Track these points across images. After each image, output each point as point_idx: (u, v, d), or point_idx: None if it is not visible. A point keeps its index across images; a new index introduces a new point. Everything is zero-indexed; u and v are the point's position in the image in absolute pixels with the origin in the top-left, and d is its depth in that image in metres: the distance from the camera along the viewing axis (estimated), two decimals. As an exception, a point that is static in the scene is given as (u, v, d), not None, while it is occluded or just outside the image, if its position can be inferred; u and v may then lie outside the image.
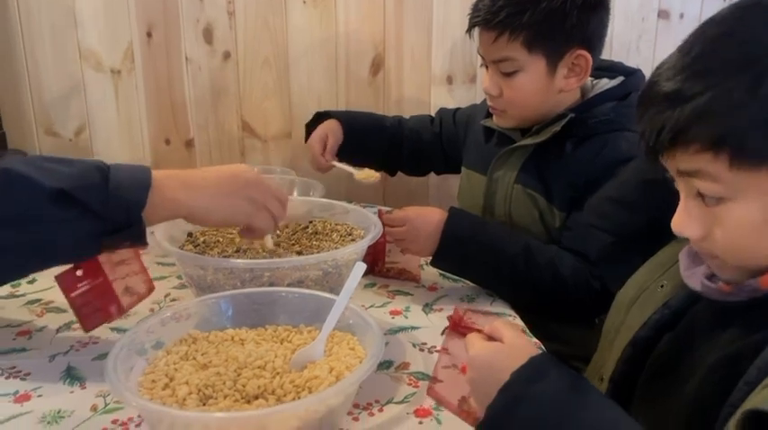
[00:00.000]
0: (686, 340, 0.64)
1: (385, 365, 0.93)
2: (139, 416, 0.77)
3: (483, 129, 1.27)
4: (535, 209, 1.15)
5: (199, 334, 0.76)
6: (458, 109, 1.46)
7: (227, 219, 0.84)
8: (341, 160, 1.38)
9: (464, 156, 1.35)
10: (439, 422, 0.80)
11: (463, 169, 1.34)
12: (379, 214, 1.11)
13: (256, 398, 0.65)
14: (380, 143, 1.43)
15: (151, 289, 0.94)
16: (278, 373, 0.68)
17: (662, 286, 0.72)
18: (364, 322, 0.74)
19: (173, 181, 0.81)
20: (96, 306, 0.86)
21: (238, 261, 0.86)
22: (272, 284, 0.84)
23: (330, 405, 0.62)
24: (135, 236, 0.76)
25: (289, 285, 0.84)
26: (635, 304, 0.75)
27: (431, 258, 1.12)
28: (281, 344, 0.75)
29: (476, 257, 1.07)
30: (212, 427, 0.59)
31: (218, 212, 0.83)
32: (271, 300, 0.80)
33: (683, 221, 0.59)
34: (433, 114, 1.50)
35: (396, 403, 0.84)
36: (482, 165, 1.24)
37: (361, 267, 0.77)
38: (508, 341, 0.64)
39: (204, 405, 0.63)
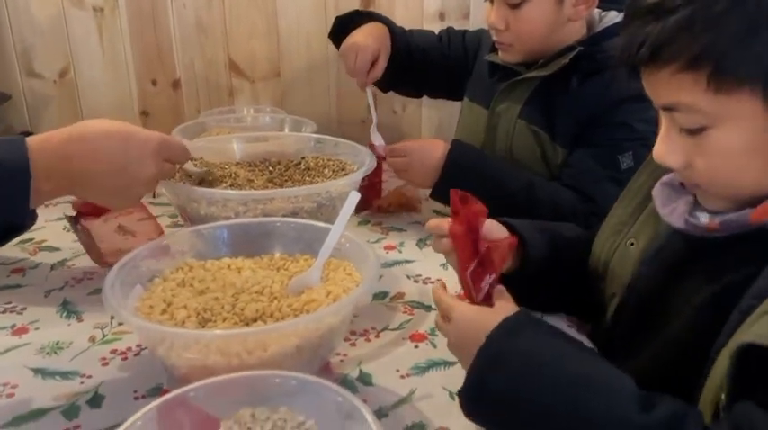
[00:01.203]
0: (666, 282, 0.63)
1: (380, 296, 0.94)
2: (138, 346, 0.77)
3: (487, 65, 1.24)
4: (537, 145, 1.13)
5: (195, 262, 0.76)
6: (466, 31, 1.37)
7: (123, 207, 0.85)
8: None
9: (468, 87, 1.30)
10: (434, 346, 0.82)
11: (465, 101, 1.30)
12: (371, 148, 1.10)
13: (255, 321, 0.66)
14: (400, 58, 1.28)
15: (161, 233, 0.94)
16: (275, 298, 0.69)
17: (632, 244, 0.70)
18: (360, 249, 0.74)
19: (56, 181, 0.75)
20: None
21: (230, 191, 0.85)
22: (265, 216, 0.84)
23: (329, 324, 0.62)
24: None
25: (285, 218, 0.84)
26: (608, 269, 0.74)
27: (430, 191, 1.11)
28: (278, 271, 0.76)
29: (477, 190, 1.06)
30: (212, 346, 0.59)
31: (111, 205, 0.83)
32: (266, 231, 0.80)
33: (665, 150, 0.58)
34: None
35: (391, 330, 0.85)
36: (485, 99, 1.21)
37: (356, 196, 0.77)
38: (497, 305, 0.63)
39: (203, 328, 0.64)
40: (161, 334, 0.60)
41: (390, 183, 1.26)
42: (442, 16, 1.64)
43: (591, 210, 1.03)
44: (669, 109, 0.56)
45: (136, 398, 0.69)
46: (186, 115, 1.62)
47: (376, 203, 1.20)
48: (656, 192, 0.66)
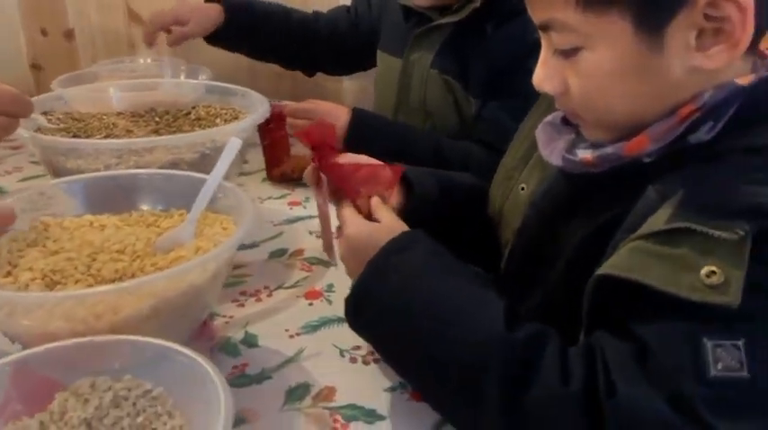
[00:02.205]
0: (551, 224, 0.62)
1: (278, 253, 0.89)
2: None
3: (401, 9, 1.18)
4: (450, 94, 1.08)
5: (51, 220, 0.68)
6: None
7: None
8: (229, 47, 1.25)
9: (381, 38, 1.24)
10: (329, 302, 0.78)
11: (378, 53, 1.24)
12: (273, 107, 1.02)
13: (113, 282, 0.59)
14: (283, 33, 1.28)
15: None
16: (138, 257, 0.62)
17: (522, 189, 0.69)
18: (239, 200, 0.68)
19: None
20: None
21: (97, 141, 0.77)
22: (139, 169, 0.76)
23: (191, 282, 0.56)
24: None
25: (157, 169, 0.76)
26: (502, 216, 0.72)
27: None
28: (147, 229, 0.68)
29: (382, 156, 1.02)
30: (57, 312, 0.52)
31: None
32: (136, 184, 0.72)
33: (543, 76, 0.56)
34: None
35: (286, 288, 0.81)
36: (399, 48, 1.16)
37: (236, 143, 0.70)
38: (386, 222, 0.63)
39: (48, 292, 0.57)
40: (-5, 300, 0.53)
41: (298, 148, 1.19)
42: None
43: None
44: (545, 28, 0.54)
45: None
46: (83, 68, 1.49)
47: (278, 170, 1.12)
48: (539, 132, 0.63)
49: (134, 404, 0.47)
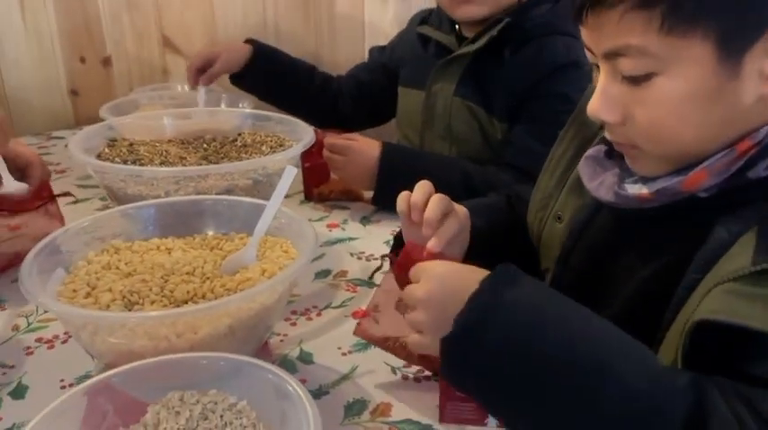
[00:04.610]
0: (599, 257, 0.61)
1: (323, 274, 0.92)
2: (66, 333, 0.73)
3: (418, 39, 1.23)
4: (475, 121, 1.12)
5: (121, 244, 0.72)
6: (382, 47, 1.40)
7: None
8: (250, 89, 1.31)
9: (400, 76, 1.29)
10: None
11: (400, 89, 1.28)
12: (316, 134, 1.07)
13: (186, 303, 0.63)
14: (306, 85, 1.32)
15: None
16: (208, 278, 0.66)
17: (558, 217, 0.68)
18: (298, 225, 0.72)
19: None
20: None
21: (159, 169, 0.81)
22: (198, 194, 0.81)
23: (263, 302, 0.60)
24: None
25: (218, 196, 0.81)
26: (540, 244, 0.71)
27: (371, 198, 1.10)
28: (211, 251, 0.72)
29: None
30: (139, 331, 0.56)
31: None
32: (198, 210, 0.76)
33: (600, 105, 0.54)
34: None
35: (333, 308, 0.84)
36: (420, 80, 1.20)
37: (292, 170, 0.74)
38: (458, 264, 0.56)
39: (130, 312, 0.61)
40: (83, 318, 0.57)
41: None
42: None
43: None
44: (614, 55, 0.52)
45: (62, 387, 0.66)
46: (118, 94, 1.54)
47: (316, 191, 1.16)
48: (582, 166, 0.62)
49: (221, 416, 0.50)
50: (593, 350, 0.46)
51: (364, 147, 1.07)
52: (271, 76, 1.29)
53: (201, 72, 1.26)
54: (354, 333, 0.69)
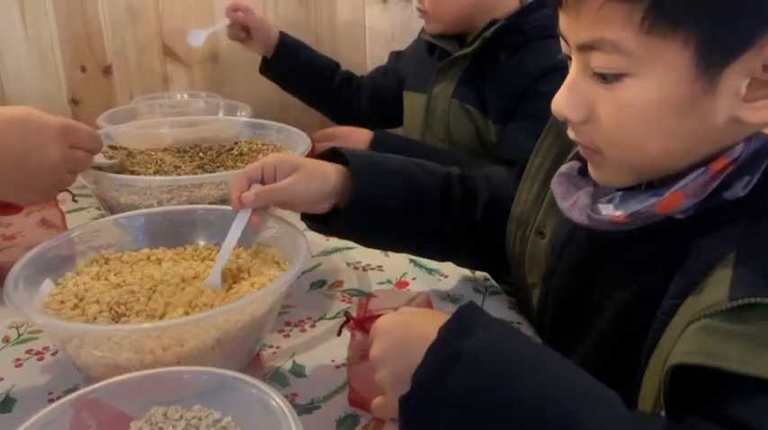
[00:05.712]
0: (581, 277, 0.59)
1: (318, 284, 0.91)
2: (55, 345, 0.73)
3: (425, 45, 1.25)
4: (471, 123, 1.13)
5: (111, 254, 0.71)
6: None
7: (33, 201, 0.77)
8: (276, 78, 1.33)
9: (405, 81, 1.31)
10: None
11: (405, 94, 1.31)
12: (313, 142, 1.06)
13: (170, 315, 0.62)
14: (325, 80, 1.36)
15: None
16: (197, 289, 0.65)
17: (541, 234, 0.66)
18: (290, 235, 0.71)
19: None
20: None
21: (151, 178, 0.81)
22: (192, 204, 0.80)
23: (252, 314, 0.59)
24: None
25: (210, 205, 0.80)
26: (524, 260, 0.69)
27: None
28: (203, 262, 0.71)
29: None
30: (125, 344, 0.55)
31: (19, 199, 0.75)
32: (190, 219, 0.75)
33: (565, 100, 0.52)
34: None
35: (328, 319, 0.83)
36: (423, 84, 1.22)
37: (245, 214, 0.71)
38: (410, 312, 0.53)
39: (116, 324, 0.60)
40: (67, 331, 0.56)
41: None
42: (384, -1, 1.62)
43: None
44: (588, 48, 0.49)
45: (50, 400, 0.64)
46: (119, 103, 1.54)
47: None
48: (555, 184, 0.60)
49: (205, 433, 0.49)
50: (560, 403, 0.42)
51: (352, 131, 1.09)
52: (293, 67, 1.32)
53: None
54: (350, 404, 0.65)
